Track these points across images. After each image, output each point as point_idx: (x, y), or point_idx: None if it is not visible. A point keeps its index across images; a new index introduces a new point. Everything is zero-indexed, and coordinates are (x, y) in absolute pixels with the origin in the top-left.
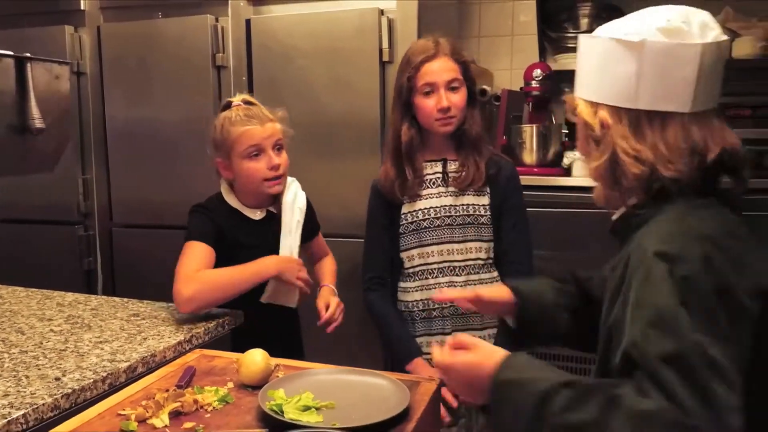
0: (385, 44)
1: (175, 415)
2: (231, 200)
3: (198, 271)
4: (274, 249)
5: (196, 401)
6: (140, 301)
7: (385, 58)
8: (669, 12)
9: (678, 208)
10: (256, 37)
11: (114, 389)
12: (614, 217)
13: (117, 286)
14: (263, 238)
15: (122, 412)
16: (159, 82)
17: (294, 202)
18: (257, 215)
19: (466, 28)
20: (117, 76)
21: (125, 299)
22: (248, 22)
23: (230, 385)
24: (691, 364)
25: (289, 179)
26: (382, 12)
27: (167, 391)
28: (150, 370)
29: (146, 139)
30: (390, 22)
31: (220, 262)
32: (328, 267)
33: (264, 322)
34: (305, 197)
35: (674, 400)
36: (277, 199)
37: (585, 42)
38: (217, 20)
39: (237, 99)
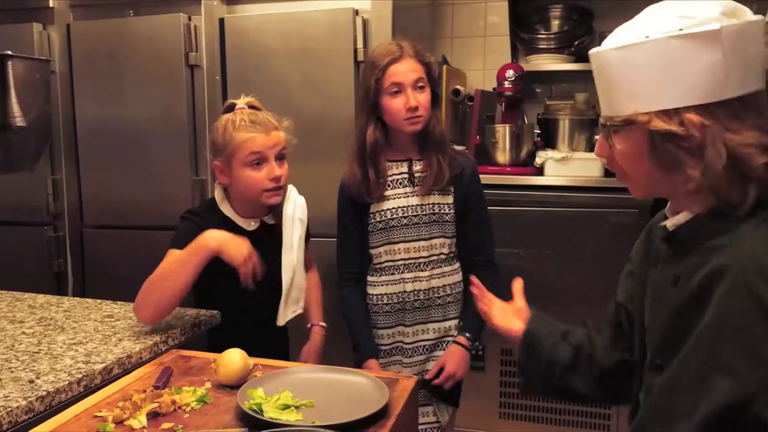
0: (360, 44)
1: (153, 416)
2: (224, 208)
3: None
4: (264, 261)
5: (173, 402)
6: (114, 302)
7: (360, 57)
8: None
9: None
10: (229, 36)
11: (89, 391)
12: (674, 223)
13: (87, 288)
14: (256, 250)
15: (99, 414)
16: (130, 81)
17: (294, 213)
18: (251, 226)
19: (440, 28)
20: (87, 74)
21: (98, 300)
22: (222, 21)
23: (208, 385)
24: None
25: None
26: (356, 12)
27: (144, 391)
28: (126, 372)
29: (117, 138)
30: (365, 22)
31: (208, 275)
32: (314, 295)
33: (249, 340)
34: (304, 205)
35: None
36: (272, 210)
37: (632, 52)
38: (190, 19)
39: (241, 102)
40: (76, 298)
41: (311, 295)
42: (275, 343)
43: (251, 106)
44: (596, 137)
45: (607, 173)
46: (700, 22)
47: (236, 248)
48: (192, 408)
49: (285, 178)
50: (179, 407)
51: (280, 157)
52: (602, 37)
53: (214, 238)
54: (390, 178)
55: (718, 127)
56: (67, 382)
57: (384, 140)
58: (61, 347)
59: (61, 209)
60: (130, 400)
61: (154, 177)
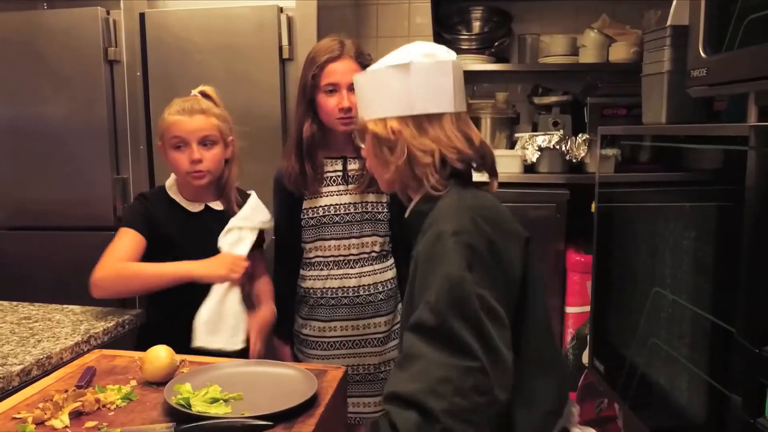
0: (285, 41)
1: (76, 416)
2: (172, 192)
3: (122, 259)
4: (206, 244)
5: (98, 400)
6: (31, 304)
7: (285, 55)
8: (424, 44)
9: (451, 193)
10: (150, 31)
11: (6, 394)
12: (407, 215)
13: (2, 291)
14: (197, 231)
15: (17, 416)
16: (45, 76)
17: (258, 209)
18: (195, 208)
19: (364, 28)
20: None
21: (14, 303)
22: (142, 15)
23: (133, 383)
24: (478, 317)
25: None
26: (281, 9)
27: (66, 391)
28: (46, 373)
29: (32, 137)
30: (289, 20)
31: (153, 252)
32: (266, 289)
33: (183, 335)
34: (263, 218)
35: (465, 349)
36: (222, 197)
37: (365, 75)
38: (108, 13)
39: (197, 90)
40: None
41: (263, 288)
42: None
43: (203, 95)
44: (516, 135)
45: (527, 169)
46: (401, 59)
47: (216, 270)
48: (117, 406)
49: (210, 162)
50: (104, 406)
51: (205, 142)
52: (521, 38)
53: (198, 270)
54: (325, 175)
55: (407, 132)
56: None
57: (321, 136)
58: None
59: None
60: (51, 400)
61: (72, 176)
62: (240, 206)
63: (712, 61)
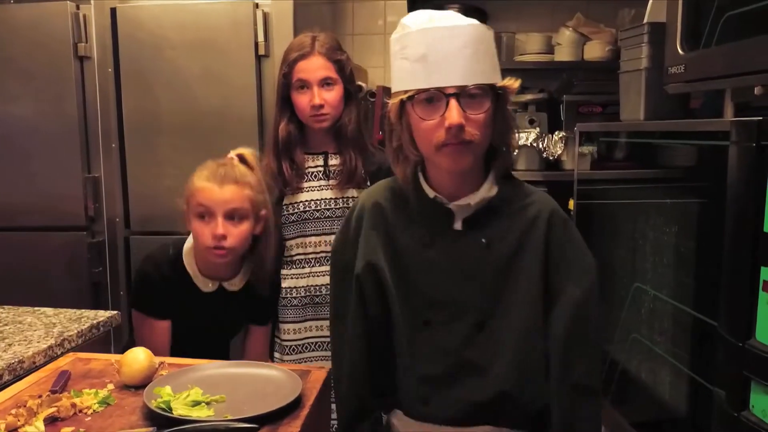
0: (261, 38)
1: (51, 421)
2: (188, 261)
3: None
4: (209, 324)
5: (74, 405)
6: (1, 306)
7: (261, 51)
8: None
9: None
10: (122, 26)
11: None
12: (481, 199)
13: None
14: (203, 311)
15: None
16: (12, 73)
17: None
18: (208, 287)
19: (340, 25)
20: None
21: None
22: (113, 10)
23: (111, 386)
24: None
25: None
26: (257, 5)
27: (40, 397)
28: (18, 378)
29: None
30: (265, 16)
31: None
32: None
33: None
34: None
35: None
36: (236, 274)
37: (488, 33)
38: (78, 8)
39: (234, 152)
40: None
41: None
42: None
43: (241, 159)
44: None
45: None
46: (475, 20)
47: None
48: (94, 411)
49: (235, 239)
50: (80, 411)
51: (232, 216)
52: (496, 36)
53: None
54: (306, 170)
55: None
56: None
57: (298, 133)
58: None
59: None
60: (25, 406)
61: (42, 175)
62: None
63: (690, 58)
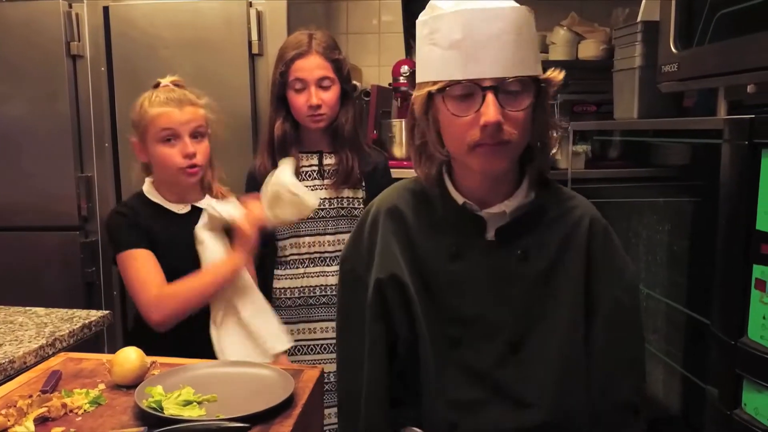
0: (255, 37)
1: (42, 422)
2: (153, 196)
3: (159, 285)
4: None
5: (64, 405)
6: None
7: (255, 50)
8: None
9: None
10: (115, 25)
11: None
12: (512, 207)
13: None
14: (186, 233)
15: None
16: (4, 72)
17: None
18: (181, 209)
19: (335, 24)
20: None
21: None
22: (106, 9)
23: (102, 386)
24: None
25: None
26: (250, 4)
27: (30, 397)
28: (9, 378)
29: None
30: (259, 15)
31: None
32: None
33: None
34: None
35: None
36: (203, 195)
37: (531, 17)
38: (70, 6)
39: (166, 80)
40: None
41: None
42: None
43: (175, 84)
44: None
45: None
46: (516, 4)
47: (246, 244)
48: (85, 411)
49: (203, 156)
50: (71, 411)
51: (195, 135)
52: None
53: (237, 259)
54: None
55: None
56: None
57: (294, 133)
58: None
59: None
60: (15, 406)
61: (34, 175)
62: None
63: (683, 57)
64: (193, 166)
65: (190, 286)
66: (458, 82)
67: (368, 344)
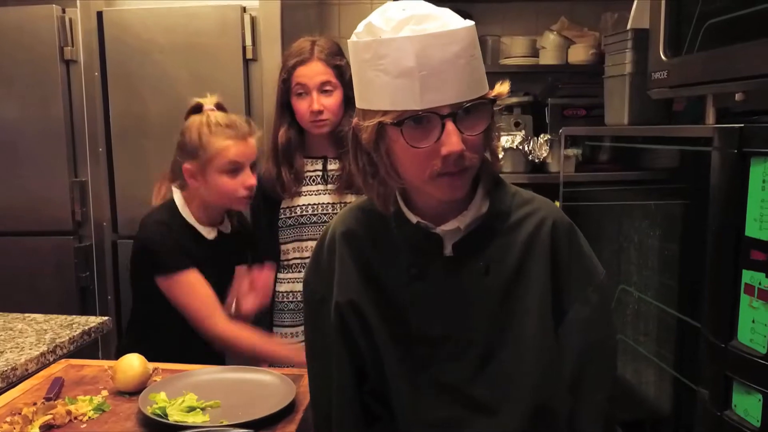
0: (249, 42)
1: (47, 429)
2: (186, 214)
3: (216, 303)
4: (221, 270)
5: (69, 412)
6: None
7: (249, 55)
8: None
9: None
10: (108, 30)
11: None
12: (471, 220)
13: None
14: (214, 257)
15: None
16: None
17: None
18: (210, 234)
19: (327, 28)
20: None
21: None
22: (100, 14)
23: (105, 393)
24: None
25: None
26: (244, 9)
27: (35, 404)
28: (12, 385)
29: None
30: (253, 20)
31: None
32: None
33: (184, 346)
34: None
35: None
36: (224, 218)
37: (474, 48)
38: (64, 11)
39: (208, 102)
40: None
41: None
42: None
43: (219, 107)
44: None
45: None
46: (467, 22)
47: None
48: (90, 417)
49: (255, 184)
50: (75, 418)
51: (251, 166)
52: (482, 39)
53: (285, 352)
54: (305, 174)
55: None
56: None
57: (299, 139)
58: None
59: None
60: (20, 414)
61: (28, 180)
62: (240, 224)
63: (673, 64)
64: (251, 195)
65: (249, 341)
66: (416, 112)
67: (335, 368)
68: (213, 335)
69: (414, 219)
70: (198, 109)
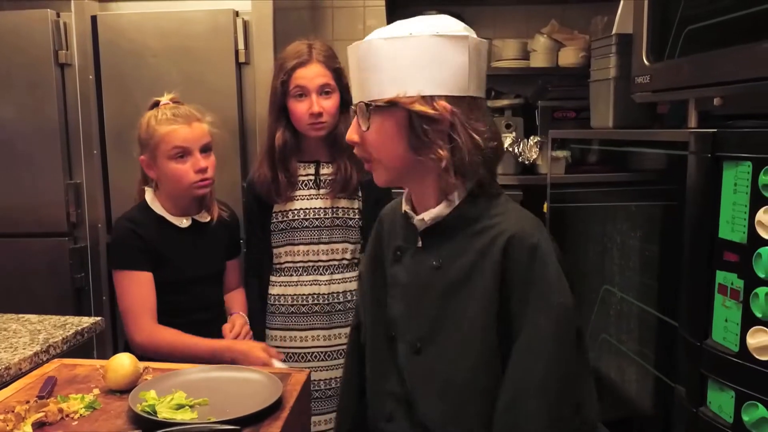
0: (241, 45)
1: (39, 426)
2: (156, 207)
3: (151, 310)
4: (197, 259)
5: (60, 410)
6: None
7: (242, 59)
8: (451, 18)
9: (509, 201)
10: (103, 34)
11: None
12: (435, 216)
13: None
14: (188, 246)
15: None
16: None
17: None
18: (183, 223)
19: (320, 31)
20: None
21: None
22: (94, 18)
23: (96, 391)
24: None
25: None
26: (237, 13)
27: (27, 402)
28: (5, 384)
29: None
30: (245, 24)
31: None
32: (239, 299)
33: None
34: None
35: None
36: (203, 208)
37: (403, 42)
38: (58, 15)
39: (165, 98)
40: None
41: (235, 296)
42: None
43: (174, 101)
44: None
45: None
46: (452, 30)
47: (256, 353)
48: (81, 415)
49: (212, 169)
50: (67, 415)
51: (204, 149)
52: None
53: (237, 346)
54: (297, 179)
55: (462, 115)
56: None
57: (294, 142)
58: None
59: None
60: (13, 411)
61: (23, 182)
62: (226, 216)
63: (655, 69)
64: (205, 179)
65: (182, 344)
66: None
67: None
68: (131, 342)
69: (402, 207)
70: (155, 105)
